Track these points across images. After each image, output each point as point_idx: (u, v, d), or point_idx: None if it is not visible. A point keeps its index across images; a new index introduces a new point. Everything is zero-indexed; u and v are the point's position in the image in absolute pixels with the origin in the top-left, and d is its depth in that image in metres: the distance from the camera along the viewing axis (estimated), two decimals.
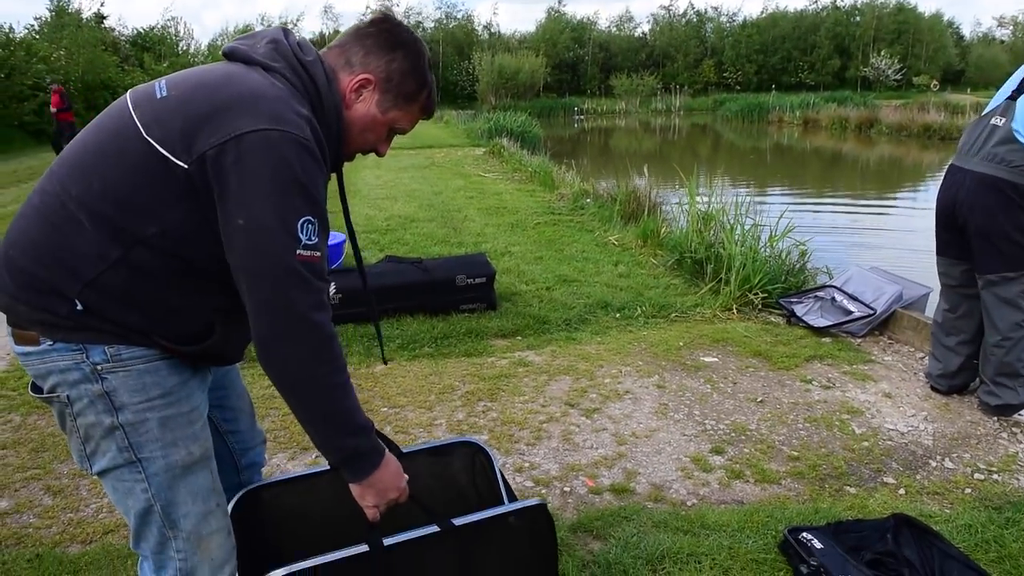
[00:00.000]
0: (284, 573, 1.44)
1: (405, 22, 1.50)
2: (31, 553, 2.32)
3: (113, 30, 35.83)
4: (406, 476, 1.47)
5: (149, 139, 1.21)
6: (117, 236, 1.23)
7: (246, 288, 1.24)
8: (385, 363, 1.71)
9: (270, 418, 3.16)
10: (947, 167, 3.31)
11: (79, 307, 1.24)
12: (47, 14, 29.11)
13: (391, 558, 1.52)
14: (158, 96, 1.27)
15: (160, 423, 1.32)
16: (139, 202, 1.22)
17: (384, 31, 1.40)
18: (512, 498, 1.78)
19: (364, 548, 1.50)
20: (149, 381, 1.31)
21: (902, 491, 2.62)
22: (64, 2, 28.66)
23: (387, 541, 1.51)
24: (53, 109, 16.42)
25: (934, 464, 2.81)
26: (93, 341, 1.27)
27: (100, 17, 33.66)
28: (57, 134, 16.44)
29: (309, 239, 1.23)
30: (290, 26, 54.67)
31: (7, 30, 22.41)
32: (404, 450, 1.69)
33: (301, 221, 1.21)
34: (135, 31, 38.46)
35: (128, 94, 1.33)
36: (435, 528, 1.55)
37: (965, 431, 3.06)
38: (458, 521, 1.57)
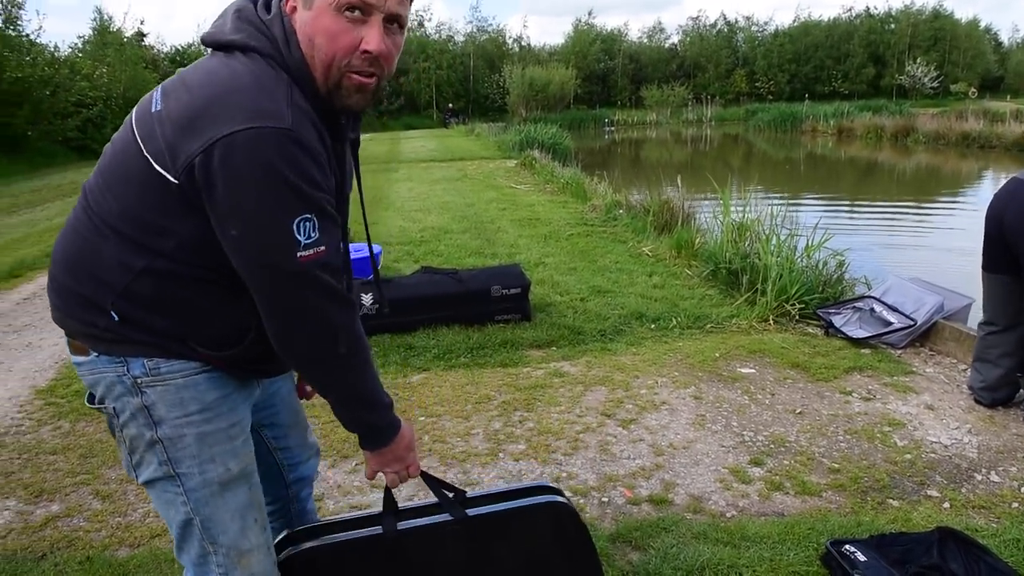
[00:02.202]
0: (305, 548, 1.53)
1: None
2: (82, 556, 2.39)
3: (152, 48, 36.77)
4: (416, 454, 1.49)
5: (147, 155, 1.19)
6: (139, 249, 1.24)
7: (253, 291, 1.24)
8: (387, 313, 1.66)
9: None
10: (1010, 178, 3.26)
11: (115, 318, 1.26)
12: (90, 33, 29.92)
13: (405, 543, 1.55)
14: (153, 110, 1.22)
15: (197, 439, 1.32)
16: (151, 220, 1.22)
17: None
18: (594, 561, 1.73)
19: (378, 530, 1.55)
20: (187, 396, 1.31)
21: (947, 504, 2.57)
22: (107, 22, 29.43)
23: (401, 526, 1.55)
24: None
25: (979, 478, 2.76)
26: (133, 354, 1.28)
27: (141, 35, 34.57)
28: None
29: (308, 237, 1.17)
30: None
31: (52, 49, 23.13)
32: (470, 494, 1.65)
33: (297, 221, 1.16)
34: (173, 48, 39.47)
35: (134, 109, 1.29)
36: (448, 517, 1.57)
37: (1011, 444, 3.00)
38: (472, 511, 1.59)
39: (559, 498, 1.69)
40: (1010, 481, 2.72)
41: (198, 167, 1.13)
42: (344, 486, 2.78)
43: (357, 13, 1.19)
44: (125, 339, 1.28)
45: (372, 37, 1.20)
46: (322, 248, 1.20)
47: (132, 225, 1.23)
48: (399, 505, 1.61)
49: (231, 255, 1.21)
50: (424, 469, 1.58)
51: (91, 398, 1.38)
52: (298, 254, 1.17)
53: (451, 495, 1.61)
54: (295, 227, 1.16)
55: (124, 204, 1.23)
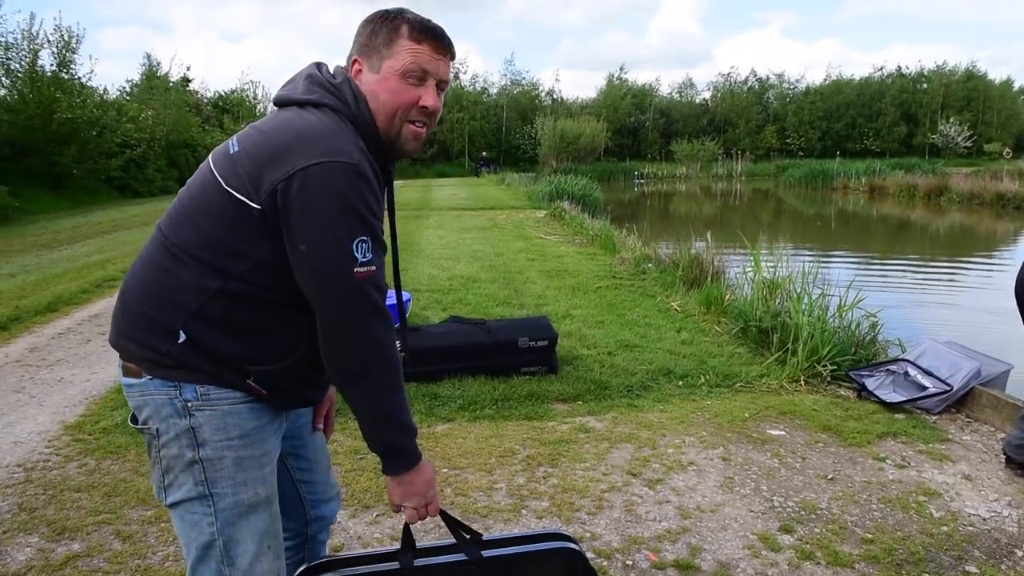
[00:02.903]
0: None
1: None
2: None
3: (196, 93, 37.98)
4: (435, 492, 1.55)
5: (228, 189, 1.38)
6: (216, 273, 1.39)
7: (314, 305, 1.39)
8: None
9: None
10: None
11: (182, 338, 1.39)
12: (139, 77, 31.06)
13: None
14: (231, 152, 1.43)
15: (235, 462, 1.44)
16: (228, 244, 1.38)
17: (359, 28, 1.50)
18: None
19: (395, 565, 1.60)
20: (231, 422, 1.43)
21: None
22: (155, 67, 30.54)
23: (418, 563, 1.60)
24: None
25: (1020, 554, 2.65)
26: (187, 380, 1.41)
27: (186, 80, 35.77)
28: None
29: (364, 256, 1.36)
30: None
31: (102, 91, 24.01)
32: (485, 538, 1.69)
33: (356, 241, 1.35)
34: (216, 94, 40.71)
35: (210, 155, 1.49)
36: (464, 557, 1.61)
37: None
38: (488, 553, 1.63)
39: (573, 545, 1.72)
40: None
41: (280, 192, 1.33)
42: (364, 537, 2.76)
43: (416, 79, 1.47)
44: (183, 365, 1.40)
45: (429, 96, 1.48)
46: (373, 268, 1.38)
47: (211, 250, 1.39)
48: (417, 543, 1.64)
49: (297, 270, 1.38)
50: (443, 508, 1.62)
51: (133, 419, 1.48)
52: (355, 269, 1.35)
53: (468, 536, 1.66)
54: (354, 246, 1.34)
55: (204, 232, 1.40)
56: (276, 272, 1.39)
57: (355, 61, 1.49)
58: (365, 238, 1.36)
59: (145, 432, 1.45)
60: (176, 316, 1.39)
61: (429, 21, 1.48)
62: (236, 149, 1.42)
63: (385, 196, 1.52)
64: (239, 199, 1.36)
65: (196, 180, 1.48)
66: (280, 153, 1.35)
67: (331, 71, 1.52)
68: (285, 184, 1.32)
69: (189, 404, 1.40)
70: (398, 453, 1.49)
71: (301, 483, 1.74)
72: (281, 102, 1.49)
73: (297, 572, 1.65)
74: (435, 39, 1.47)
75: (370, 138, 1.46)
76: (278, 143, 1.37)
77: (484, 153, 47.27)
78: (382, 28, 1.46)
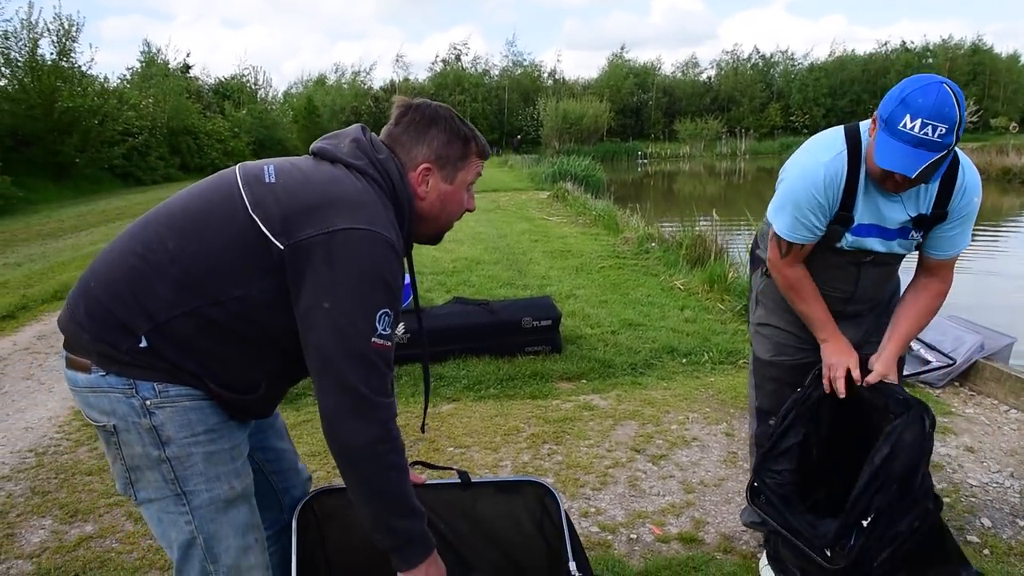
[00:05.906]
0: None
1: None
2: None
3: (197, 79, 37.85)
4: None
5: (254, 216, 1.34)
6: (200, 291, 1.33)
7: (319, 366, 1.34)
8: (423, 430, 1.80)
9: None
10: None
11: (142, 343, 1.32)
12: (138, 65, 30.95)
13: None
14: (266, 180, 1.39)
15: (205, 458, 1.39)
16: (231, 268, 1.34)
17: (410, 121, 1.52)
18: (577, 546, 1.73)
19: None
20: (194, 418, 1.38)
21: (987, 551, 2.50)
22: (154, 54, 30.43)
23: None
24: None
25: (1022, 523, 2.67)
26: (143, 378, 1.34)
27: (186, 67, 35.66)
28: None
29: (384, 330, 1.34)
30: (363, 74, 55.07)
31: (103, 80, 23.97)
32: (472, 479, 1.75)
33: (380, 313, 1.33)
34: (217, 80, 40.58)
35: (238, 169, 1.45)
36: None
37: None
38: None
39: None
40: None
41: (314, 244, 1.31)
42: None
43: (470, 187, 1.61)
44: (141, 364, 1.33)
45: (472, 201, 1.64)
46: (389, 344, 1.36)
47: (207, 267, 1.33)
48: None
49: (311, 327, 1.33)
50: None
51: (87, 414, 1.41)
52: (372, 339, 1.33)
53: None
54: (378, 317, 1.33)
55: (209, 248, 1.34)
56: (263, 310, 1.36)
57: (428, 168, 1.51)
58: (389, 312, 1.35)
59: (101, 430, 1.39)
60: (141, 321, 1.32)
61: (483, 142, 1.60)
62: (273, 180, 1.39)
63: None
64: (262, 231, 1.32)
65: (212, 192, 1.42)
66: (325, 206, 1.34)
67: (371, 143, 1.50)
68: (326, 237, 1.30)
69: (148, 402, 1.34)
70: (410, 541, 1.41)
71: (272, 473, 1.72)
72: (323, 155, 1.47)
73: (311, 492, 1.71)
74: (487, 155, 1.62)
75: (403, 220, 1.48)
76: (325, 195, 1.36)
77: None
78: (456, 142, 1.52)
